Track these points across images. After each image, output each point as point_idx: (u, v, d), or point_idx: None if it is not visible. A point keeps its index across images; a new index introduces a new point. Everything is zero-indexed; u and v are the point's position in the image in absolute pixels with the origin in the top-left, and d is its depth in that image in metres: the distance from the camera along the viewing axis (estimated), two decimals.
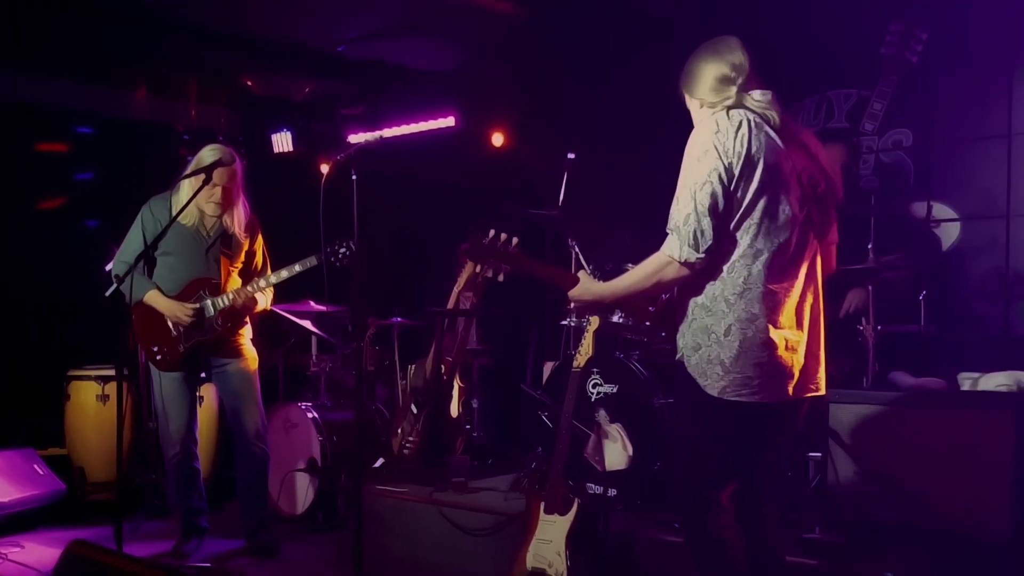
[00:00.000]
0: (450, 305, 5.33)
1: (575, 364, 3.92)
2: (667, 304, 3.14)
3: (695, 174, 2.81)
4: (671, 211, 2.87)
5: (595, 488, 4.45)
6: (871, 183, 5.58)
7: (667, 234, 2.88)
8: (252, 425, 4.88)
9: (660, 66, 6.00)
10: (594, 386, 4.56)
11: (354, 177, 3.92)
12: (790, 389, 2.90)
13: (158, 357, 4.77)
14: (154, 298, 4.71)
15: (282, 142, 7.68)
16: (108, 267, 5.78)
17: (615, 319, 4.53)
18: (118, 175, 7.15)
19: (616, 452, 4.28)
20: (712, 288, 2.87)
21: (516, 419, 6.07)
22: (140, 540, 5.14)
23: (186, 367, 4.81)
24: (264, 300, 4.90)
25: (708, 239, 2.79)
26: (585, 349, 3.91)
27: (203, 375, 4.97)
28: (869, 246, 4.58)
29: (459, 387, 5.31)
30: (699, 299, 2.90)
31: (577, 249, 5.17)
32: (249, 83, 7.01)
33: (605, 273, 4.33)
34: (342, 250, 4.30)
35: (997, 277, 5.28)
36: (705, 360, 2.87)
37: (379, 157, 4.20)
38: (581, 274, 3.17)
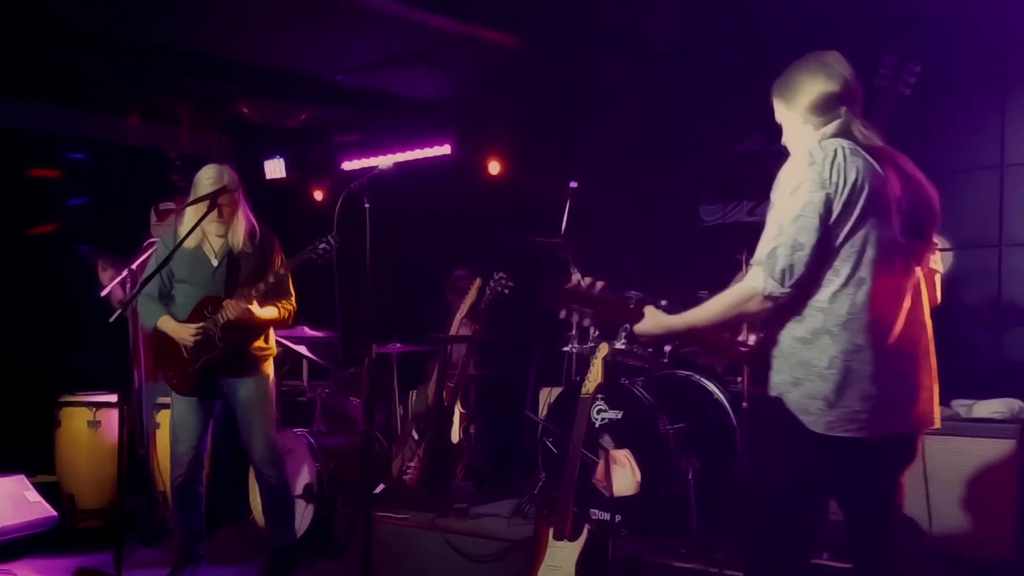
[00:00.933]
0: (453, 330, 5.34)
1: (584, 390, 3.95)
2: (761, 342, 2.96)
3: (786, 207, 2.71)
4: (759, 243, 2.76)
5: (600, 514, 4.45)
6: None
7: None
8: (257, 450, 4.86)
9: (660, 94, 6.15)
10: (599, 412, 4.59)
11: (367, 205, 3.93)
12: (900, 423, 2.77)
13: (173, 381, 4.80)
14: (165, 323, 4.74)
15: (275, 168, 7.70)
16: (103, 293, 5.78)
17: (620, 346, 4.58)
18: (110, 200, 7.15)
19: (624, 477, 4.29)
20: (812, 320, 2.74)
21: (514, 444, 6.07)
22: (133, 568, 5.08)
23: (200, 392, 4.80)
24: (262, 311, 4.73)
25: (797, 274, 2.69)
26: (594, 376, 3.95)
27: (219, 400, 4.95)
28: None
29: (460, 412, 5.31)
30: (797, 332, 2.76)
31: (579, 276, 5.19)
32: (244, 110, 7.02)
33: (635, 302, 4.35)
34: (322, 246, 4.34)
35: (990, 305, 5.36)
36: (807, 395, 2.72)
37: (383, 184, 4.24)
38: (648, 309, 3.00)
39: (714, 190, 6.27)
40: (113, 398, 6.00)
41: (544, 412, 5.19)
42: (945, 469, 4.02)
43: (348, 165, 7.56)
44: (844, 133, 2.78)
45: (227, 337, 4.70)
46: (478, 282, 5.48)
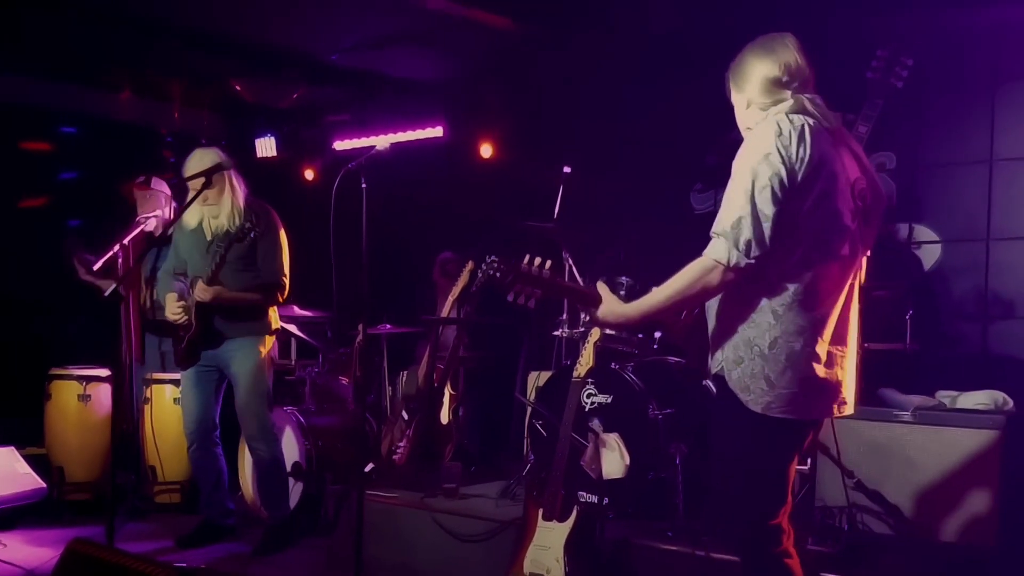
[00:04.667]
0: (444, 313, 5.37)
1: (575, 374, 3.98)
2: (697, 317, 2.98)
3: (753, 176, 2.63)
4: (719, 214, 2.69)
5: (588, 496, 4.50)
6: None
7: (711, 237, 2.71)
8: (246, 426, 5.02)
9: (656, 83, 6.17)
10: (588, 396, 4.62)
11: (364, 185, 3.96)
12: (834, 407, 2.80)
13: (175, 356, 5.05)
14: (167, 300, 4.96)
15: (266, 147, 7.69)
16: (95, 267, 5.78)
17: (611, 331, 4.61)
18: (101, 175, 7.13)
19: (614, 461, 4.34)
20: (758, 299, 2.71)
21: (503, 427, 6.12)
22: (123, 541, 5.09)
23: (197, 365, 4.98)
24: (231, 294, 4.83)
25: (763, 247, 2.62)
26: (586, 360, 3.98)
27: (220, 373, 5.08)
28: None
29: (450, 394, 5.35)
30: (741, 312, 2.74)
31: (571, 262, 5.24)
32: (237, 88, 7.00)
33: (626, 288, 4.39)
34: (246, 225, 4.67)
35: (976, 298, 5.42)
36: (748, 374, 2.72)
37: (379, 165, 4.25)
38: (604, 294, 2.92)
39: (706, 178, 6.31)
40: (103, 372, 6.02)
41: (533, 395, 5.23)
42: (929, 458, 4.09)
43: (340, 145, 7.56)
44: (800, 111, 2.73)
45: (201, 316, 4.85)
46: (470, 265, 5.51)
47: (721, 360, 2.80)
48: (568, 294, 3.02)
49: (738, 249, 2.64)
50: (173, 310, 4.87)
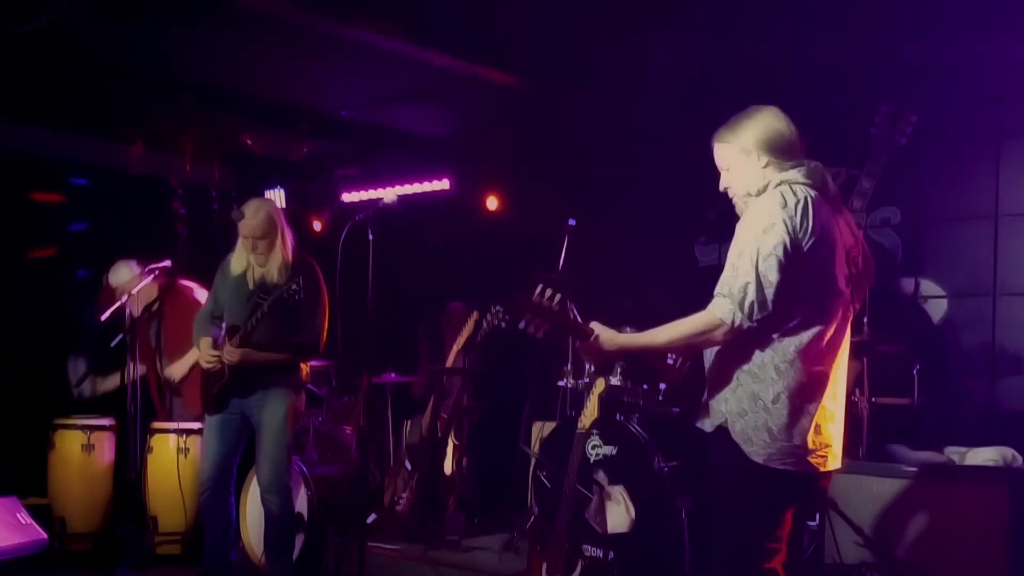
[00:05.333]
0: (449, 363, 5.37)
1: (580, 426, 3.96)
2: (692, 368, 3.13)
3: (759, 244, 2.79)
4: (724, 276, 2.85)
5: (593, 550, 4.45)
6: None
7: (713, 296, 2.86)
8: (262, 475, 4.92)
9: (659, 137, 6.22)
10: (593, 447, 4.60)
11: (371, 237, 3.98)
12: (828, 461, 2.92)
13: (203, 401, 5.02)
14: (201, 345, 4.97)
15: (275, 199, 7.75)
16: (103, 317, 5.80)
17: (615, 382, 4.61)
18: (111, 226, 7.19)
19: (619, 514, 4.30)
20: (761, 356, 2.85)
21: (506, 478, 6.07)
22: None
23: (223, 413, 4.94)
24: (258, 355, 4.81)
25: (765, 309, 2.78)
26: (590, 411, 3.97)
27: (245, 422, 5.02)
28: (864, 320, 4.68)
29: (454, 444, 5.32)
30: (746, 366, 2.87)
31: (575, 312, 5.23)
32: (248, 141, 7.08)
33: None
34: (293, 287, 4.55)
35: (984, 353, 5.40)
36: (751, 426, 2.85)
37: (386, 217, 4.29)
38: (598, 327, 3.06)
39: (709, 231, 6.33)
40: (107, 422, 6.01)
41: (537, 446, 5.20)
42: (938, 515, 4.04)
43: (348, 197, 7.63)
44: (813, 179, 2.88)
45: (235, 367, 4.81)
46: (475, 315, 5.52)
47: (724, 412, 2.92)
48: (572, 330, 3.14)
49: (742, 311, 2.79)
50: (207, 357, 4.86)
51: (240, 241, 4.85)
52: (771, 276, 2.76)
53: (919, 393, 4.69)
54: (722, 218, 6.09)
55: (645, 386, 4.66)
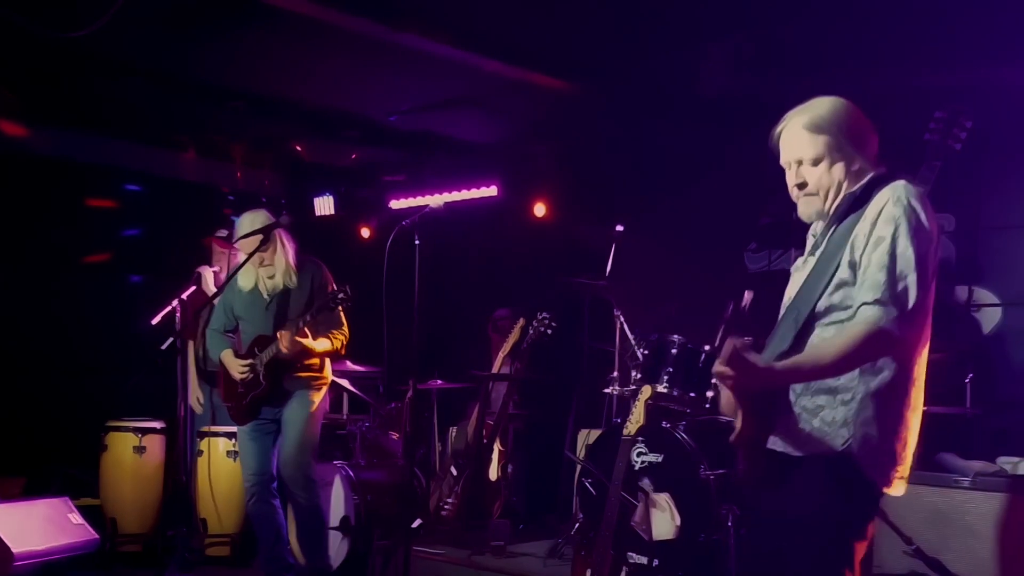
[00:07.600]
0: (495, 369, 5.38)
1: (625, 432, 3.96)
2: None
3: (914, 247, 2.50)
4: (879, 279, 2.48)
5: (637, 557, 4.43)
6: None
7: (866, 304, 2.50)
8: (288, 469, 4.96)
9: (709, 142, 6.19)
10: (639, 455, 4.57)
11: (417, 242, 4.01)
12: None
13: (232, 412, 5.08)
14: (225, 358, 5.04)
15: (324, 205, 7.83)
16: (154, 321, 5.90)
17: (662, 389, 4.58)
18: (163, 232, 7.32)
19: (664, 522, 4.27)
20: (887, 376, 2.55)
21: (551, 485, 6.06)
22: None
23: (256, 421, 5.01)
24: (315, 343, 4.89)
25: (921, 321, 2.53)
26: (636, 417, 3.96)
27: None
28: None
29: (499, 451, 5.33)
30: (872, 385, 2.55)
31: (623, 319, 5.22)
32: (298, 149, 7.16)
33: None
34: (340, 295, 4.65)
35: None
36: (877, 449, 2.56)
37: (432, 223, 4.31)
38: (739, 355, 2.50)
39: (760, 237, 6.28)
40: (159, 424, 6.10)
41: (583, 453, 5.19)
42: (989, 525, 3.97)
43: (396, 204, 7.68)
44: (910, 182, 2.63)
45: (271, 374, 4.89)
46: (522, 322, 5.52)
47: (849, 436, 2.56)
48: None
49: (908, 323, 2.49)
50: (239, 368, 4.92)
51: (243, 258, 4.89)
52: (927, 283, 2.50)
53: (971, 402, 4.60)
54: (773, 224, 6.10)
55: (692, 394, 4.63)
